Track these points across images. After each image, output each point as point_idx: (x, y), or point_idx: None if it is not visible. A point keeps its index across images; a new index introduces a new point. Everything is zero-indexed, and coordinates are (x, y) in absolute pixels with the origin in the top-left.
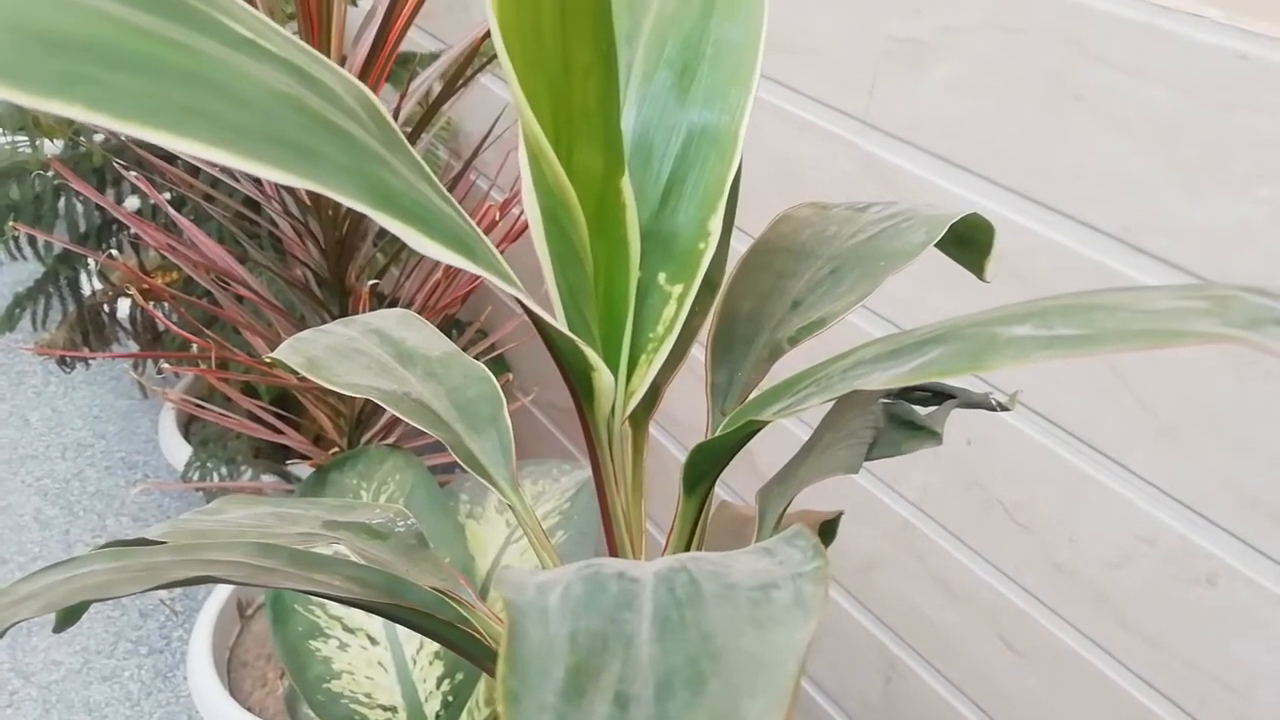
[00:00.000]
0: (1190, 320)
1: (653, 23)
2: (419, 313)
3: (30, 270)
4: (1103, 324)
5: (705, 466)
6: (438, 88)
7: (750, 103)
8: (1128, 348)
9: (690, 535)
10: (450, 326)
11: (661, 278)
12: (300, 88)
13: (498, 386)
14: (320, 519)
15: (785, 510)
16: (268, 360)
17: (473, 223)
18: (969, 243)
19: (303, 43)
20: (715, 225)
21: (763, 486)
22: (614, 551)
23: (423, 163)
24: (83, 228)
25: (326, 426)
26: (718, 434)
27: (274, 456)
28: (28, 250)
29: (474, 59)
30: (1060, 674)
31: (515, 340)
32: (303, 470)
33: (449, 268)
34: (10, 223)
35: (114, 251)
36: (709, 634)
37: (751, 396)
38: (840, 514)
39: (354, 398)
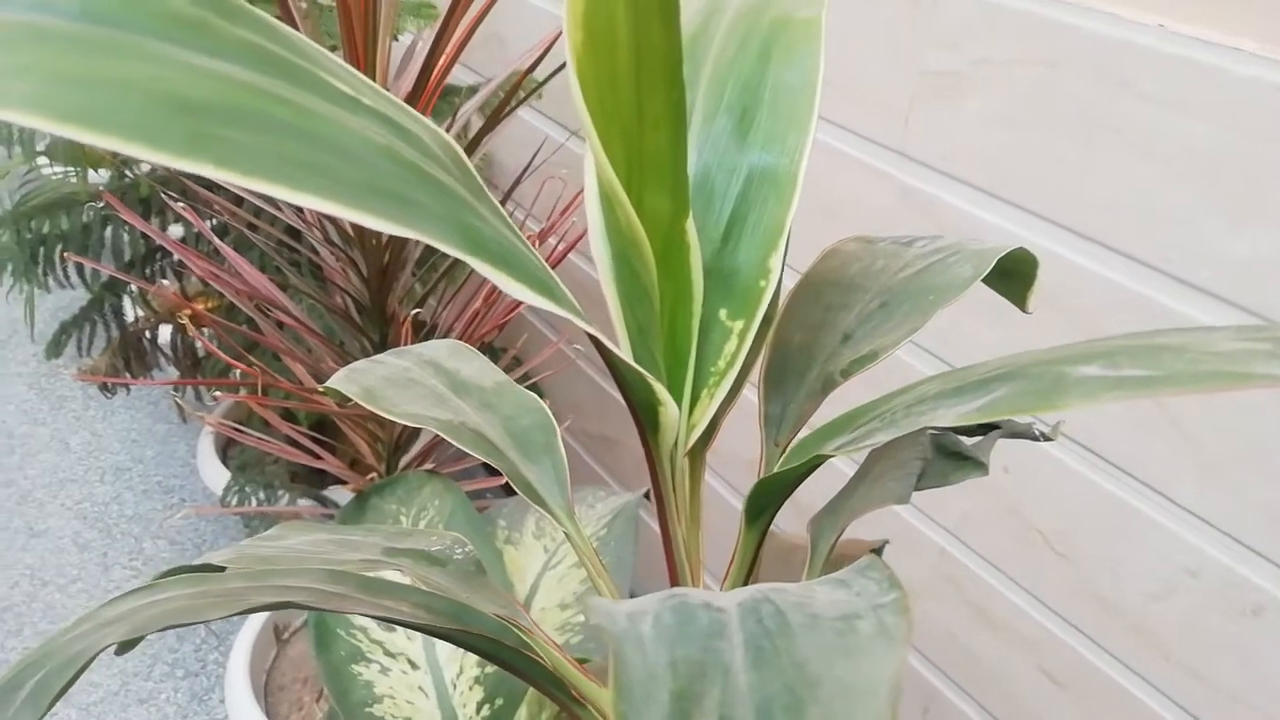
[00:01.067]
0: (1255, 363)
1: (712, 68)
2: (460, 339)
3: (71, 296)
4: (1171, 365)
5: (768, 499)
6: (475, 120)
7: (808, 145)
8: (1196, 389)
9: (751, 565)
10: (485, 353)
11: (723, 314)
12: (394, 139)
13: (550, 416)
14: (380, 546)
15: (837, 540)
16: (322, 390)
17: (545, 263)
18: (1012, 275)
19: (393, 96)
20: (776, 263)
21: (814, 517)
22: (674, 580)
23: (501, 208)
24: (128, 255)
25: (364, 451)
26: (783, 468)
27: (311, 481)
28: (74, 278)
29: (515, 93)
30: (1103, 706)
31: (551, 368)
32: (339, 494)
33: (488, 296)
34: (63, 252)
35: (164, 281)
36: (802, 662)
37: (812, 430)
38: (885, 543)
39: (392, 423)
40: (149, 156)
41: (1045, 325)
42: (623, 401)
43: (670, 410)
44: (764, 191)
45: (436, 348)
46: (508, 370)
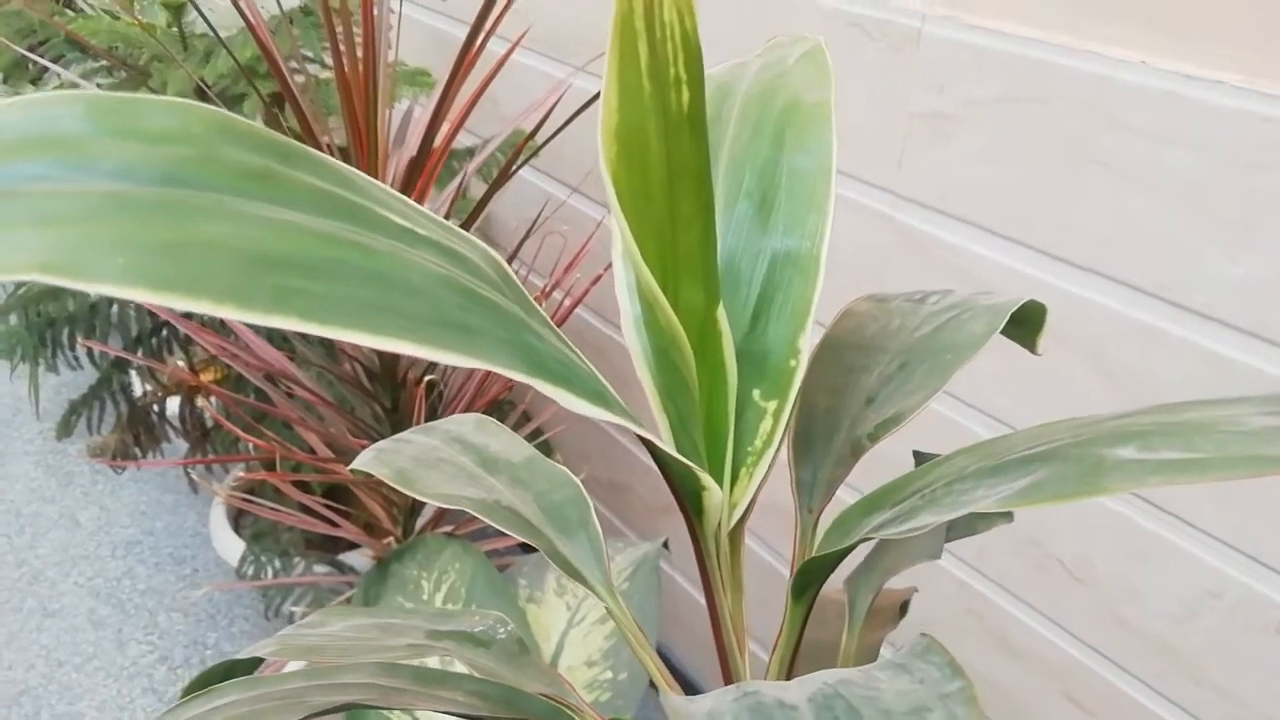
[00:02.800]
0: None
1: (728, 156)
2: (471, 400)
3: (74, 372)
4: (1203, 447)
5: (813, 577)
6: (472, 181)
7: (828, 228)
8: (1230, 476)
9: (799, 637)
10: (493, 410)
11: (756, 394)
12: (451, 266)
13: (582, 490)
14: (423, 629)
15: (874, 599)
16: (350, 471)
17: (595, 369)
18: (1023, 322)
19: (439, 218)
20: (804, 343)
21: (849, 576)
22: (723, 653)
23: (548, 319)
24: (135, 331)
25: (380, 515)
26: (823, 550)
27: (325, 546)
28: (83, 358)
29: (517, 157)
30: None
31: (563, 423)
32: (354, 559)
33: None
34: (72, 334)
35: (179, 361)
36: None
37: (847, 496)
38: (914, 591)
39: None
40: (239, 317)
41: (1045, 354)
42: (629, 447)
43: (714, 494)
44: (788, 274)
45: (462, 423)
46: (516, 427)
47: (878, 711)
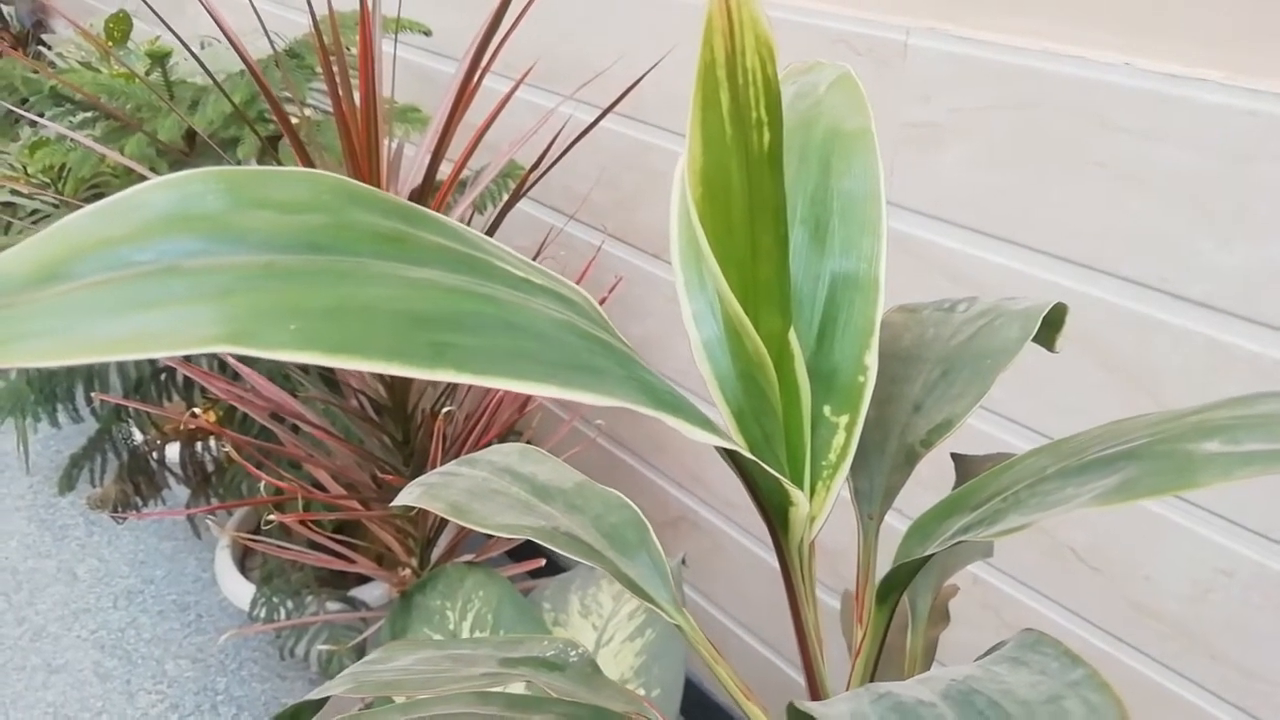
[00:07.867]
0: None
1: None
2: (482, 432)
3: (64, 423)
4: None
5: (898, 583)
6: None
7: (884, 249)
8: None
9: (881, 642)
10: (503, 439)
11: (827, 410)
12: (566, 311)
13: (638, 511)
14: (495, 657)
15: (935, 600)
16: (392, 508)
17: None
18: (1045, 324)
19: (537, 264)
20: (871, 360)
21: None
22: (808, 660)
23: (633, 350)
24: (134, 376)
25: (394, 547)
26: (906, 557)
27: (335, 582)
28: (83, 410)
29: (520, 188)
30: (1155, 713)
31: (575, 445)
32: (366, 593)
33: None
34: (71, 387)
35: (196, 410)
36: None
37: (928, 509)
38: (957, 590)
39: (424, 518)
40: (403, 373)
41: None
42: (634, 465)
43: (801, 508)
44: (849, 295)
45: (505, 453)
46: None
47: (1017, 703)
